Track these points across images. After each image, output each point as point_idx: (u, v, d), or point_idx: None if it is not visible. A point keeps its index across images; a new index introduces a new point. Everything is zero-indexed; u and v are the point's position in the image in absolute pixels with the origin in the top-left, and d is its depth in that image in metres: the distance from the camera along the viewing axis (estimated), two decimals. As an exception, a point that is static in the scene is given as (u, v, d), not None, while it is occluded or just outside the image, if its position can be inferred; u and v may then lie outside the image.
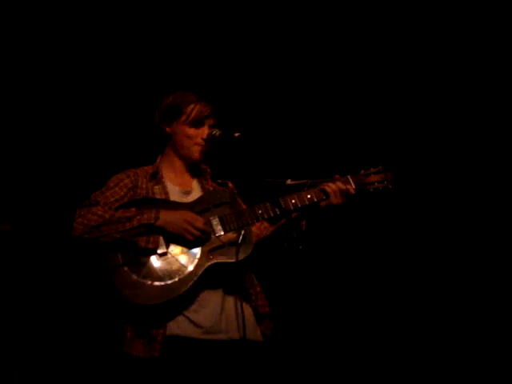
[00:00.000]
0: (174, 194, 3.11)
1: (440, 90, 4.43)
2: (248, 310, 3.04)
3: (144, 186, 3.11)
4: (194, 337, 2.92)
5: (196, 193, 3.14)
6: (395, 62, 4.46)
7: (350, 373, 4.35)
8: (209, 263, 2.93)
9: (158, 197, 3.08)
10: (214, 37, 4.49)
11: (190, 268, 2.92)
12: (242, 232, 2.93)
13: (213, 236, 2.96)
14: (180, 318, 2.93)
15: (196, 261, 2.93)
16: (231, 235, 2.95)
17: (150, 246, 2.94)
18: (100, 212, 2.95)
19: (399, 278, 4.42)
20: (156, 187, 3.11)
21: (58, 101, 4.43)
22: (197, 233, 2.93)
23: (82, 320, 4.24)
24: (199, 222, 2.95)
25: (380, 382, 4.33)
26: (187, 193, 3.13)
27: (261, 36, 4.47)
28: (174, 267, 2.92)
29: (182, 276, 2.91)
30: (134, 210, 2.98)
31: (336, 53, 4.50)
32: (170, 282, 2.90)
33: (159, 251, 2.93)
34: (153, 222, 2.93)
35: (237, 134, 3.01)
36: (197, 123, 3.14)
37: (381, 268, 4.45)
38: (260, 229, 3.17)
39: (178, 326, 2.92)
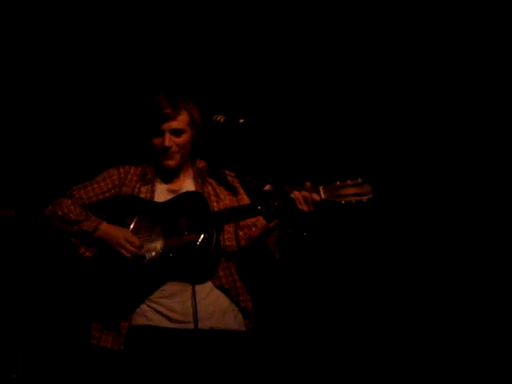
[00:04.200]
0: (161, 193, 3.15)
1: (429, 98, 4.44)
2: (227, 303, 3.10)
3: (132, 184, 3.16)
4: (161, 326, 3.00)
5: None
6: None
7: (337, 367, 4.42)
8: (167, 262, 3.01)
9: (142, 196, 3.12)
10: (215, 31, 4.51)
11: (149, 265, 3.02)
12: (203, 234, 2.99)
13: (177, 235, 3.02)
14: (146, 309, 3.02)
15: (156, 259, 3.02)
16: (194, 236, 3.01)
17: (87, 254, 3.06)
18: (63, 206, 3.08)
19: (385, 271, 4.46)
20: (143, 188, 3.16)
21: (64, 90, 4.51)
22: (128, 255, 3.01)
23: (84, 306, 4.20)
24: (134, 244, 3.01)
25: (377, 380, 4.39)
26: (175, 192, 3.14)
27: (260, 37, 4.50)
28: (121, 268, 3.03)
29: (142, 269, 3.02)
30: (84, 213, 3.06)
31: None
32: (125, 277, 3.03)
33: (99, 260, 3.06)
34: (91, 231, 3.04)
35: (241, 120, 3.05)
36: (156, 133, 3.11)
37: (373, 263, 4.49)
38: (251, 229, 3.16)
39: (145, 316, 3.01)
